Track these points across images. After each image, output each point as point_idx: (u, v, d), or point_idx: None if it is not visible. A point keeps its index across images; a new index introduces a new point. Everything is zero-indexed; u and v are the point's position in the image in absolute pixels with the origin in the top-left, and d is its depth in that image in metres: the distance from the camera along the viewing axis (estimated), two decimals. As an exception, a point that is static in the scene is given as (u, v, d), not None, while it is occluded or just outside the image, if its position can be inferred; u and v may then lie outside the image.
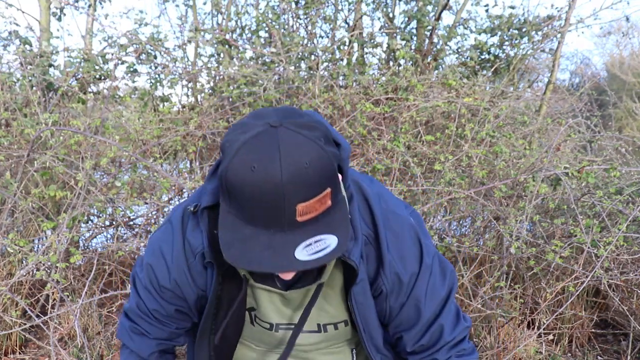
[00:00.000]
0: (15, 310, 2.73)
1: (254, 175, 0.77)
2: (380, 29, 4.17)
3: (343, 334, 1.12)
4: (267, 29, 3.82)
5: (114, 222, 3.35)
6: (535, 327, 2.74)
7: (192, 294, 1.06)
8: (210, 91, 3.79)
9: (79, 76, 3.44)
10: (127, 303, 1.17)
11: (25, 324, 2.59)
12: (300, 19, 4.07)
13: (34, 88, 3.19)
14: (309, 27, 4.05)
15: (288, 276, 0.90)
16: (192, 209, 0.99)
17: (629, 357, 2.84)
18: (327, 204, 0.82)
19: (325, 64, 3.77)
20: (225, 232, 0.83)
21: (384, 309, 1.05)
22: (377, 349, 1.10)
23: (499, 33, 4.24)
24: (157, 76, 3.71)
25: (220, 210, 0.85)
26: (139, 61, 3.58)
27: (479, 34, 4.29)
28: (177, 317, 1.12)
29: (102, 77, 3.53)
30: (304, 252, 0.79)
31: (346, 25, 4.26)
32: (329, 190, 0.81)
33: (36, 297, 2.89)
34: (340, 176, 0.89)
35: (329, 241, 0.81)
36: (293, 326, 1.07)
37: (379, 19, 4.39)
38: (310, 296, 1.02)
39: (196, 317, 1.12)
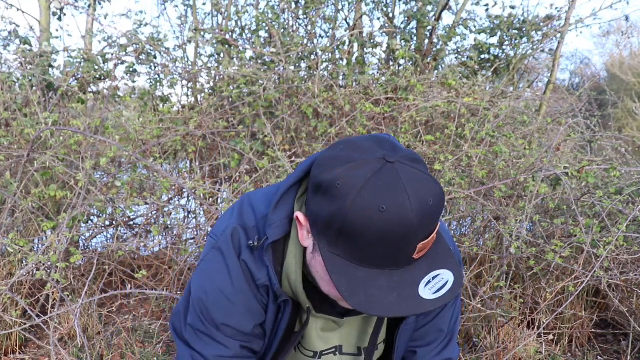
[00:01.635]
0: (16, 310, 2.73)
1: (385, 216, 0.72)
2: (380, 29, 4.17)
3: (379, 353, 1.11)
4: (267, 28, 3.82)
5: (114, 222, 3.35)
6: (535, 327, 2.74)
7: (254, 322, 0.98)
8: (210, 91, 3.79)
9: (79, 76, 3.44)
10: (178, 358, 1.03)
11: (25, 324, 2.59)
12: (300, 19, 4.07)
13: (34, 88, 3.19)
14: (309, 27, 4.05)
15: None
16: (255, 243, 0.91)
17: (629, 357, 2.84)
18: (434, 236, 0.80)
19: (325, 63, 3.77)
20: (340, 278, 0.77)
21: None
22: None
23: (499, 33, 4.24)
24: (157, 76, 3.71)
25: (321, 252, 0.80)
26: (139, 61, 3.58)
27: (479, 34, 4.29)
28: (243, 356, 1.01)
29: (102, 77, 3.53)
30: (427, 291, 0.78)
31: (346, 25, 4.26)
32: (439, 223, 0.80)
33: (36, 297, 2.89)
34: None
35: (446, 276, 0.79)
36: (334, 349, 1.06)
37: (378, 18, 4.39)
38: (355, 320, 1.02)
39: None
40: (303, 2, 3.96)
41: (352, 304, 0.75)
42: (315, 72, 3.41)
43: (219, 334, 0.96)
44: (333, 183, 0.76)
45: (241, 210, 0.97)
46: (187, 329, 0.99)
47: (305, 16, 4.01)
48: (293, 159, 3.08)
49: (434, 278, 0.78)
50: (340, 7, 4.21)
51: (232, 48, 3.64)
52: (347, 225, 0.75)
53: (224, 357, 0.98)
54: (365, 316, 1.04)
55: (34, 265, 2.68)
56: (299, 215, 0.85)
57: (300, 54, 3.52)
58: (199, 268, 0.99)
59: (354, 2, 4.12)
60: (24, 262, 2.74)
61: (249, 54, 3.73)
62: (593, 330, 3.10)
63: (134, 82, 3.65)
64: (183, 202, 3.77)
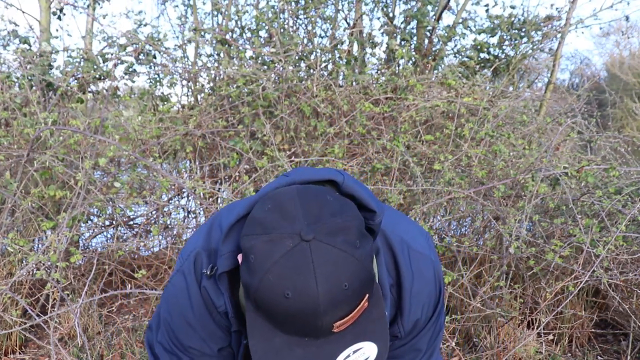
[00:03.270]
0: (16, 310, 2.73)
1: (289, 302, 0.71)
2: (380, 29, 4.17)
3: None
4: (266, 28, 3.82)
5: (113, 222, 3.35)
6: (535, 327, 2.74)
7: (218, 346, 0.99)
8: (209, 91, 3.79)
9: (79, 76, 3.44)
10: None
11: (25, 324, 2.59)
12: (300, 19, 4.07)
13: (34, 88, 3.19)
14: (309, 27, 4.05)
15: None
16: (208, 272, 0.91)
17: (629, 357, 2.84)
18: (364, 307, 0.77)
19: (325, 63, 3.77)
20: (256, 342, 0.77)
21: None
22: None
23: (499, 33, 4.24)
24: (156, 76, 3.71)
25: (246, 311, 0.80)
26: (139, 61, 3.58)
27: (479, 33, 4.29)
28: None
29: (102, 77, 3.53)
30: None
31: (346, 25, 4.26)
32: (366, 296, 0.76)
33: (36, 297, 2.89)
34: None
35: (369, 350, 0.76)
36: None
37: (378, 18, 4.39)
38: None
39: None
40: (303, 2, 3.96)
41: None
42: (314, 72, 3.41)
43: (185, 355, 0.98)
44: (248, 255, 0.76)
45: (209, 231, 0.96)
46: (157, 345, 1.01)
47: (304, 16, 4.01)
48: (292, 158, 3.08)
49: (354, 352, 0.75)
50: (340, 7, 4.21)
51: (232, 48, 3.64)
52: (258, 301, 0.75)
53: None
54: None
55: (34, 265, 2.68)
56: (240, 257, 0.84)
57: (299, 53, 3.52)
58: (166, 289, 1.00)
59: (354, 2, 4.12)
60: (24, 261, 2.74)
61: (249, 53, 3.73)
62: (593, 330, 3.10)
63: (133, 81, 3.65)
64: (183, 201, 3.77)
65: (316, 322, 0.72)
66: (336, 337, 0.75)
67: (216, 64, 3.91)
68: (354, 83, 3.48)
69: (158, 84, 3.70)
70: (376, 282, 0.83)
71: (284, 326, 0.75)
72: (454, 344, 2.74)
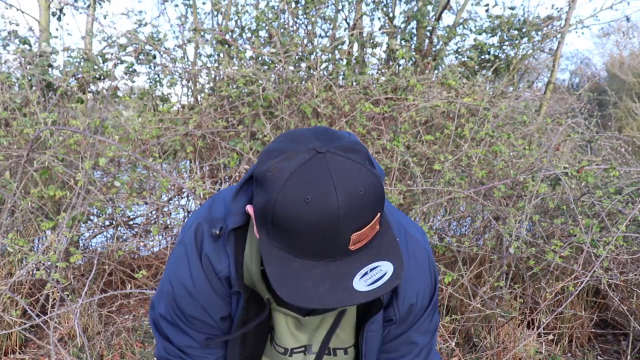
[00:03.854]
0: (16, 310, 2.73)
1: (309, 207, 0.72)
2: (380, 29, 4.17)
3: (349, 358, 1.10)
4: (266, 28, 3.82)
5: (113, 222, 3.35)
6: (535, 327, 2.74)
7: (218, 315, 1.00)
8: (209, 91, 3.78)
9: (79, 76, 3.44)
10: (156, 350, 1.07)
11: (25, 324, 2.59)
12: (300, 19, 4.07)
13: (34, 88, 3.19)
14: (309, 27, 4.05)
15: None
16: (217, 231, 0.92)
17: (629, 357, 2.84)
18: (377, 228, 0.78)
19: (325, 63, 3.77)
20: (273, 268, 0.77)
21: (385, 332, 1.04)
22: None
23: (499, 33, 4.24)
24: (156, 76, 3.71)
25: (260, 243, 0.80)
26: (138, 61, 3.58)
27: (479, 34, 4.29)
28: (210, 348, 1.04)
29: (102, 77, 3.53)
30: (362, 283, 0.75)
31: (346, 25, 4.26)
32: (379, 214, 0.78)
33: (36, 297, 2.89)
34: None
35: (385, 268, 0.77)
36: (304, 348, 1.06)
37: (379, 18, 4.39)
38: (325, 320, 1.01)
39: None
40: (303, 2, 3.96)
41: (281, 294, 0.75)
42: (314, 72, 3.41)
43: (187, 324, 1.00)
44: (265, 175, 0.77)
45: (212, 204, 0.99)
46: (161, 320, 1.03)
47: (305, 16, 4.01)
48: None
49: (371, 270, 0.77)
50: (340, 7, 4.21)
51: (232, 48, 3.64)
52: (277, 217, 0.75)
53: (191, 347, 1.02)
54: (332, 316, 1.02)
55: (33, 265, 2.68)
56: (249, 207, 0.86)
57: (299, 54, 3.52)
58: (168, 260, 1.02)
59: (354, 2, 4.12)
60: (23, 262, 2.74)
61: (249, 54, 3.73)
62: (593, 330, 3.10)
63: (133, 82, 3.65)
64: (183, 202, 3.77)
65: (336, 232, 0.73)
66: (352, 258, 0.76)
67: (216, 64, 3.91)
68: (354, 83, 3.48)
69: (158, 84, 3.70)
70: (385, 214, 0.84)
71: (302, 246, 0.75)
72: (454, 344, 2.74)
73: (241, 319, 0.98)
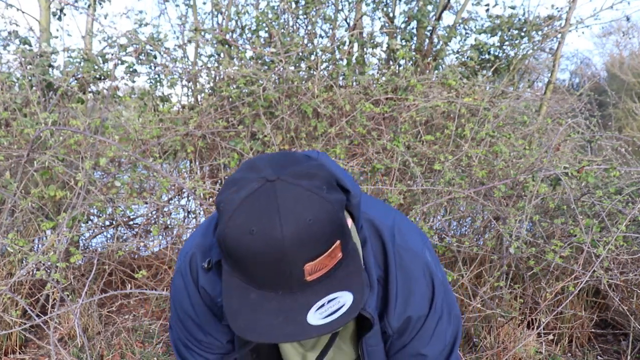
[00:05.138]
0: (16, 310, 2.73)
1: (254, 239, 0.71)
2: (380, 29, 4.17)
3: None
4: (267, 29, 3.82)
5: (113, 222, 3.35)
6: (535, 327, 2.74)
7: (225, 339, 1.02)
8: (210, 91, 3.79)
9: (79, 76, 3.44)
10: None
11: (25, 324, 2.59)
12: (300, 19, 4.07)
13: (34, 88, 3.19)
14: (309, 27, 4.05)
15: None
16: (206, 265, 0.92)
17: (629, 357, 2.84)
18: (338, 256, 0.75)
19: (325, 64, 3.77)
20: (230, 300, 0.76)
21: (387, 345, 1.02)
22: None
23: (499, 33, 4.24)
24: (157, 76, 3.71)
25: (223, 274, 0.78)
26: (139, 61, 3.58)
27: (479, 34, 4.29)
28: None
29: (102, 77, 3.53)
30: (317, 316, 0.73)
31: (346, 25, 4.26)
32: (338, 242, 0.75)
33: (36, 297, 2.89)
34: (350, 222, 0.84)
35: (344, 299, 0.74)
36: None
37: (379, 18, 4.40)
38: (324, 338, 1.00)
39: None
40: (303, 2, 3.96)
41: (233, 326, 0.74)
42: (315, 72, 3.41)
43: (199, 347, 1.03)
44: (219, 206, 0.76)
45: (206, 229, 0.98)
46: (178, 343, 1.07)
47: (305, 16, 4.01)
48: (293, 158, 3.07)
49: (329, 302, 0.74)
50: (340, 7, 4.21)
51: (232, 48, 3.64)
52: (228, 248, 0.74)
53: None
54: (339, 335, 1.01)
55: (34, 265, 2.68)
56: None
57: (300, 54, 3.52)
58: (171, 287, 1.05)
59: (354, 2, 4.12)
60: (24, 262, 2.74)
61: (249, 54, 3.73)
62: (593, 330, 3.10)
63: (133, 82, 3.65)
64: (183, 202, 3.77)
65: (285, 263, 0.71)
66: (311, 289, 0.74)
67: (216, 65, 3.91)
68: (354, 83, 3.48)
69: (158, 84, 3.70)
70: (353, 241, 0.82)
71: (257, 278, 0.74)
72: (454, 344, 2.74)
73: (242, 350, 1.00)
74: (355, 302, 0.74)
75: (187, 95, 3.92)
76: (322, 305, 0.73)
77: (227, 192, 0.76)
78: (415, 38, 4.24)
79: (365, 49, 4.05)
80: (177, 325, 1.04)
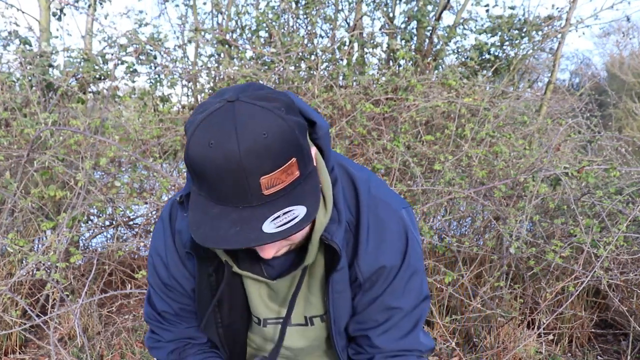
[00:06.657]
0: (16, 310, 2.73)
1: (212, 151, 0.75)
2: (380, 29, 4.17)
3: (318, 330, 1.09)
4: (267, 29, 3.82)
5: (114, 222, 3.35)
6: (535, 327, 2.74)
7: (189, 286, 1.06)
8: (210, 91, 3.79)
9: (79, 76, 3.44)
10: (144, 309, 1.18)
11: (25, 324, 2.59)
12: (300, 19, 4.07)
13: (34, 88, 3.19)
14: (309, 27, 4.05)
15: (268, 254, 0.87)
16: (178, 199, 0.97)
17: (629, 357, 2.84)
18: (295, 174, 0.79)
19: (325, 64, 3.77)
20: (195, 213, 0.81)
21: (356, 299, 1.02)
22: (342, 348, 1.06)
23: (499, 33, 4.24)
24: (157, 76, 3.71)
25: (192, 194, 0.84)
26: (139, 61, 3.58)
27: (479, 34, 4.29)
28: (183, 316, 1.11)
29: (102, 77, 3.53)
30: (272, 225, 0.77)
31: (346, 25, 4.26)
32: (294, 160, 0.78)
33: (36, 297, 2.89)
34: (315, 150, 0.88)
35: (298, 211, 0.78)
36: (282, 319, 1.05)
37: (379, 19, 4.40)
38: (294, 287, 1.01)
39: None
40: (303, 2, 3.96)
41: (194, 236, 0.79)
42: (315, 72, 3.41)
43: (164, 292, 1.08)
44: (185, 127, 0.82)
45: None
46: (150, 285, 1.12)
47: (305, 16, 4.01)
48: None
49: (285, 214, 0.78)
50: (340, 7, 4.21)
51: (232, 48, 3.64)
52: (191, 163, 0.79)
53: (167, 313, 1.11)
54: (307, 284, 1.01)
55: (33, 265, 2.68)
56: None
57: (300, 54, 3.52)
58: (153, 232, 1.11)
59: (354, 3, 4.12)
60: (24, 262, 2.74)
61: (249, 54, 3.73)
62: (593, 330, 3.10)
63: (133, 82, 3.65)
64: (183, 202, 3.77)
65: (241, 174, 0.75)
66: (268, 204, 0.78)
67: (216, 65, 3.91)
68: (354, 83, 3.48)
69: (158, 84, 3.70)
70: (313, 165, 0.86)
71: (218, 192, 0.78)
72: (454, 344, 2.74)
73: (199, 285, 1.02)
74: (308, 213, 0.79)
75: (187, 96, 3.92)
76: (278, 217, 0.78)
77: (192, 115, 0.82)
78: (415, 38, 4.24)
79: (365, 49, 4.05)
80: (151, 268, 1.08)
